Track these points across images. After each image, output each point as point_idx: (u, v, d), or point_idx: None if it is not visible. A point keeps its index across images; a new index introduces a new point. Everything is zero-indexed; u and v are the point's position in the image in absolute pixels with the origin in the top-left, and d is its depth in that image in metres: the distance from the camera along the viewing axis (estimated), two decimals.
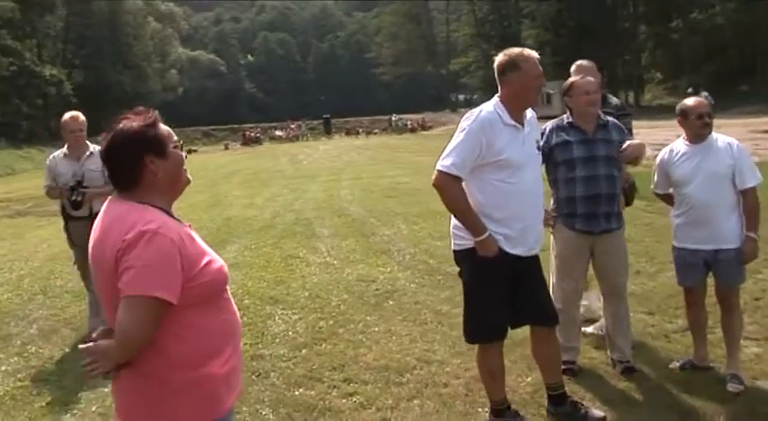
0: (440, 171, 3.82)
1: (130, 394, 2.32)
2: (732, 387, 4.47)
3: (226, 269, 2.41)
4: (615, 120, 4.80)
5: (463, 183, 3.88)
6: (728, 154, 4.55)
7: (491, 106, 3.90)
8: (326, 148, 42.72)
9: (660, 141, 26.85)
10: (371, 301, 7.07)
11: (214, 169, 30.91)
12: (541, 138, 4.44)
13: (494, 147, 3.78)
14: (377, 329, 6.10)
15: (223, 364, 2.33)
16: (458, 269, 4.12)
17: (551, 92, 67.22)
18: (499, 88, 3.95)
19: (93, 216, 5.14)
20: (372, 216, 12.70)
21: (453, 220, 3.99)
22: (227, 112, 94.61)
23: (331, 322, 6.45)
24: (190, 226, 2.43)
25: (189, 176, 2.48)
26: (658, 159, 4.84)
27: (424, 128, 61.03)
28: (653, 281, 7.10)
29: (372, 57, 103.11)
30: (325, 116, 70.19)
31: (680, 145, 4.74)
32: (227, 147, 56.26)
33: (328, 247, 10.06)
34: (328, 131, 66.49)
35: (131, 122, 2.36)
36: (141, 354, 2.22)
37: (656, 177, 4.91)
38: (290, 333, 6.22)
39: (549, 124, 4.79)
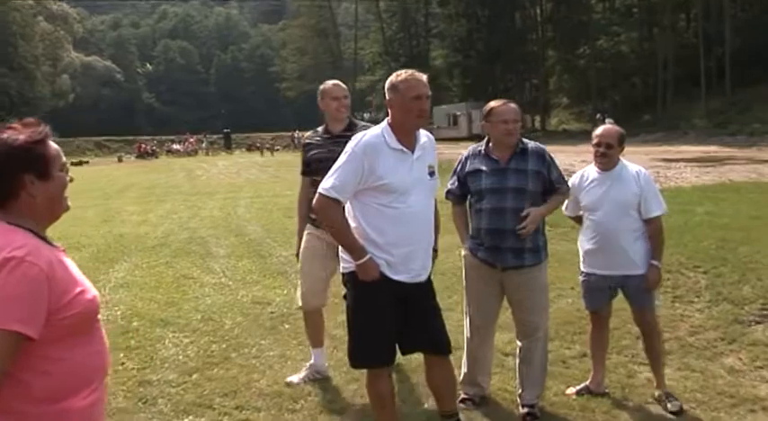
0: (320, 193, 3.85)
1: None
2: (672, 406, 4.67)
3: (98, 300, 2.26)
4: (538, 147, 4.68)
5: (347, 206, 3.90)
6: (635, 183, 4.73)
7: (378, 130, 3.93)
8: (226, 164, 42.35)
9: (563, 166, 27.99)
10: (266, 324, 7.00)
11: (107, 183, 30.15)
12: (458, 164, 4.52)
13: (376, 172, 3.79)
14: (271, 353, 6.05)
15: (86, 397, 2.20)
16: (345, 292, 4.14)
17: (458, 113, 69.01)
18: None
19: None
20: (270, 236, 12.60)
21: None
22: (123, 123, 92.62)
23: (224, 346, 6.34)
24: (64, 251, 2.26)
25: (69, 203, 2.31)
26: (569, 183, 4.92)
27: None
28: (552, 307, 7.25)
29: (277, 71, 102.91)
30: (225, 130, 69.59)
31: (591, 171, 4.91)
32: (121, 160, 55.04)
33: (223, 268, 9.93)
34: (228, 147, 65.96)
35: (17, 134, 2.16)
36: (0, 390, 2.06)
37: (567, 201, 5.03)
38: (181, 357, 6.08)
39: (467, 150, 4.80)
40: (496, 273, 4.61)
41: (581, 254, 4.98)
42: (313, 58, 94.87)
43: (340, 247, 4.02)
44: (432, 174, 4.03)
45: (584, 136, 54.16)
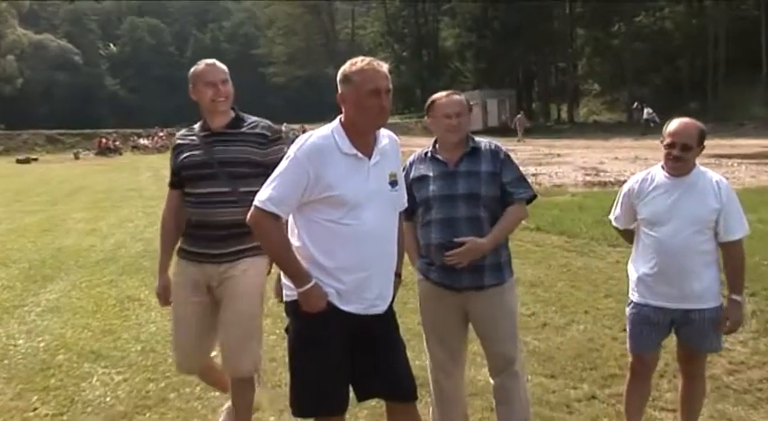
0: (255, 206, 3.69)
1: None
2: None
3: None
4: (492, 144, 4.59)
5: (290, 222, 3.78)
6: (714, 195, 4.39)
7: (328, 130, 3.78)
8: None
9: (592, 164, 28.05)
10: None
11: (57, 184, 30.08)
12: (403, 171, 4.29)
13: (323, 181, 3.65)
14: (216, 394, 5.84)
15: None
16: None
17: (471, 103, 69.64)
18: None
19: None
20: None
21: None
22: (81, 113, 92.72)
23: (162, 385, 6.18)
24: None
25: None
26: (626, 187, 4.68)
27: None
28: (560, 335, 7.11)
29: (263, 53, 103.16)
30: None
31: (657, 174, 4.55)
32: (77, 157, 54.96)
33: None
34: None
35: None
36: None
37: (617, 208, 4.75)
38: (108, 399, 5.92)
39: (413, 155, 4.69)
40: (455, 296, 4.48)
41: (632, 279, 4.65)
42: (304, 39, 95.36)
43: (281, 272, 3.87)
44: (394, 183, 3.91)
45: (617, 128, 54.44)
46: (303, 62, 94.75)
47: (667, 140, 4.43)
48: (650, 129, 46.13)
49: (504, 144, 4.67)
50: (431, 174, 4.51)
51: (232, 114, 4.79)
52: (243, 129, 4.68)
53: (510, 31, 64.78)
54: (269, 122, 4.82)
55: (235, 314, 4.55)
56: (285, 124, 66.89)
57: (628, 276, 4.74)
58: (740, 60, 52.65)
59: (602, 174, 24.14)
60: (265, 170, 4.09)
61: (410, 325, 6.24)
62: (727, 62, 53.83)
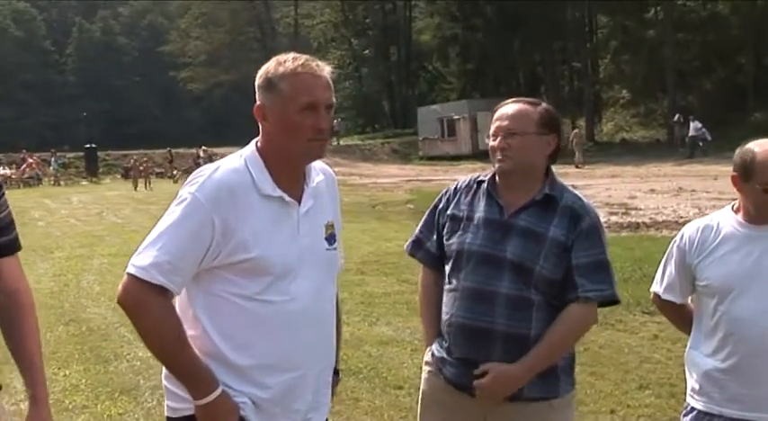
0: (131, 276, 3.41)
1: None
2: None
3: None
4: (579, 202, 4.24)
5: (181, 299, 3.53)
6: None
7: (239, 161, 3.55)
8: (84, 200, 42.30)
9: (620, 200, 28.13)
10: None
11: None
12: (439, 199, 4.21)
13: (235, 238, 3.42)
14: None
15: None
16: None
17: (455, 117, 70.07)
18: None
19: None
20: (124, 323, 12.10)
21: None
22: None
23: None
24: None
25: None
26: (678, 240, 4.41)
27: None
28: None
29: (174, 51, 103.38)
30: (88, 146, 69.34)
31: (726, 221, 4.29)
32: None
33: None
34: (93, 172, 65.69)
35: None
36: None
37: (666, 272, 4.48)
38: None
39: (463, 179, 4.45)
40: (475, 406, 4.20)
41: (693, 376, 4.39)
42: (230, 31, 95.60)
43: (165, 375, 3.64)
44: (331, 239, 3.73)
45: (654, 150, 54.80)
46: (228, 63, 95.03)
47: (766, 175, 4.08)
48: (699, 150, 46.55)
49: None
50: (476, 215, 4.23)
51: None
52: None
53: (507, 21, 65.47)
54: None
55: None
56: (203, 148, 67.00)
57: (685, 370, 4.48)
58: None
59: (633, 212, 24.30)
60: None
61: None
62: None
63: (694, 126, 50.61)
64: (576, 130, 55.06)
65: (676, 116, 56.04)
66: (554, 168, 4.31)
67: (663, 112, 61.97)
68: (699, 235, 4.29)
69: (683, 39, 60.12)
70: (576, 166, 47.59)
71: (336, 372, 3.91)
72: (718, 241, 4.23)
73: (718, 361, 4.20)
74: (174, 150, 69.13)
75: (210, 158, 59.97)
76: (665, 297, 4.48)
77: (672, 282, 4.43)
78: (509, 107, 4.22)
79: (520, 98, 4.38)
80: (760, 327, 4.06)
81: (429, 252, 4.44)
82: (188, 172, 58.15)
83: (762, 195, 4.05)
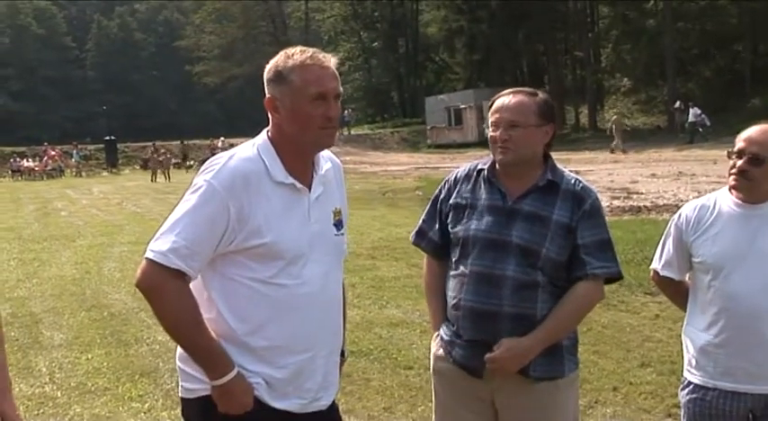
0: (150, 261, 3.43)
1: None
2: None
3: None
4: (579, 184, 4.24)
5: (196, 283, 3.52)
6: None
7: (252, 150, 3.58)
8: (105, 190, 42.23)
9: (622, 184, 28.06)
10: None
11: None
12: (440, 189, 4.21)
13: (250, 224, 3.45)
14: None
15: None
16: None
17: (462, 107, 70.03)
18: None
19: None
20: (144, 309, 12.10)
21: (179, 349, 3.64)
22: None
23: None
24: None
25: None
26: (676, 219, 4.44)
27: None
28: None
29: (188, 46, 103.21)
30: (108, 138, 69.32)
31: (722, 200, 4.30)
32: None
33: (55, 366, 9.51)
34: (113, 163, 65.65)
35: None
36: None
37: (665, 250, 4.50)
38: None
39: (462, 167, 4.44)
40: (484, 386, 4.21)
41: (690, 350, 4.39)
42: (242, 26, 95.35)
43: (179, 357, 3.65)
44: (339, 224, 3.77)
45: (654, 136, 54.65)
46: (242, 57, 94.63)
47: (737, 146, 4.13)
48: (699, 135, 46.38)
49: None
50: (479, 203, 4.23)
51: None
52: None
53: (511, 13, 65.36)
54: None
55: None
56: (222, 139, 66.80)
57: (682, 345, 4.47)
58: None
59: (634, 196, 24.27)
60: None
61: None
62: None
63: (694, 112, 50.45)
64: (615, 116, 54.71)
65: (676, 103, 55.96)
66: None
67: (663, 99, 61.83)
68: (695, 213, 4.29)
69: (683, 28, 59.93)
70: (612, 152, 47.04)
71: (342, 353, 3.93)
72: (713, 219, 4.23)
73: (712, 335, 4.21)
74: (187, 142, 69.16)
75: (214, 150, 60.05)
76: (664, 273, 4.48)
77: (670, 258, 4.43)
78: (508, 98, 4.19)
79: (517, 88, 4.35)
80: (751, 303, 4.07)
81: (432, 241, 4.45)
82: (205, 162, 59.96)
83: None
